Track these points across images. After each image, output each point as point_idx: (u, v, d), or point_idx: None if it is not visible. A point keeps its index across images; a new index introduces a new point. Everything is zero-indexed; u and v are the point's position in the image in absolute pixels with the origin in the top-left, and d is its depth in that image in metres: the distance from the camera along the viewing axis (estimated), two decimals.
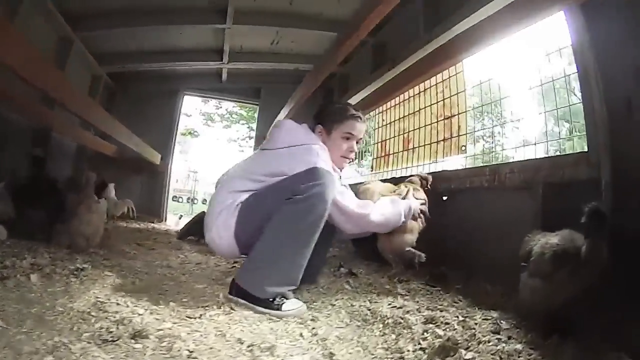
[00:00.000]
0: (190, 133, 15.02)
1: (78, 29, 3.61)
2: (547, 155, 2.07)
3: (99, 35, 3.85)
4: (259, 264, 1.57)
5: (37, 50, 1.99)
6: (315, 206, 1.56)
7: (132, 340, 1.08)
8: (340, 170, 1.96)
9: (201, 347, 1.09)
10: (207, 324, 1.31)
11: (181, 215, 6.10)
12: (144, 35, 3.98)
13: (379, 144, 3.96)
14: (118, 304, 1.38)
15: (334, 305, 1.64)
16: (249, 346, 1.14)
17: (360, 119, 1.93)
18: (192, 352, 1.05)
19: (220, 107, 14.16)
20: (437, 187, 2.37)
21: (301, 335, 1.30)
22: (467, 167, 2.58)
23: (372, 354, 1.17)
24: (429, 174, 2.37)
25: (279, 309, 1.51)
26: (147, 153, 4.49)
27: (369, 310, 1.53)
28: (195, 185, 15.92)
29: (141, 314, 1.31)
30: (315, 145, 1.77)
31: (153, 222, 4.77)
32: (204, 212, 3.19)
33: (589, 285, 1.19)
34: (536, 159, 1.95)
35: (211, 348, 1.10)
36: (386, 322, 1.40)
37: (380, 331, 1.35)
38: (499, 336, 1.26)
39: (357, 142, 1.94)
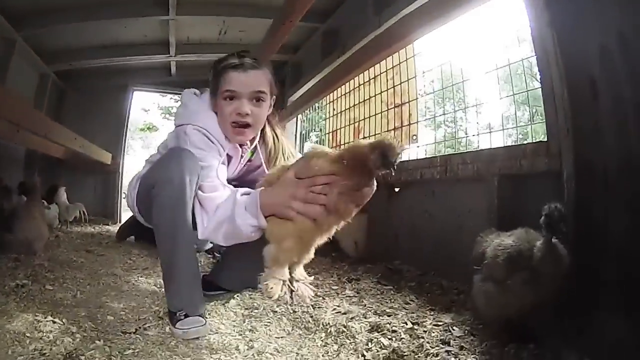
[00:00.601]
0: (149, 128, 14.50)
1: (20, 28, 3.32)
2: (503, 145, 1.92)
3: (42, 33, 3.55)
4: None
5: None
6: (160, 197, 1.28)
7: None
8: (249, 145, 1.58)
9: None
10: (141, 340, 1.17)
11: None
12: (89, 30, 3.71)
13: (331, 134, 3.77)
14: (54, 321, 1.24)
15: (276, 312, 1.46)
16: None
17: (239, 67, 1.43)
18: None
19: (179, 100, 13.73)
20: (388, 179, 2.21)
21: (237, 348, 1.14)
22: (419, 158, 2.38)
23: None
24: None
25: (174, 326, 1.26)
26: (95, 153, 4.18)
27: (312, 317, 1.36)
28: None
29: (74, 332, 1.19)
30: (189, 126, 1.43)
31: (108, 224, 4.47)
32: None
33: (547, 289, 1.03)
34: (490, 148, 1.77)
35: None
36: (329, 330, 1.24)
37: (322, 341, 1.19)
38: (449, 348, 1.10)
39: (254, 99, 1.45)
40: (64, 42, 3.93)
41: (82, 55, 4.17)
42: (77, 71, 4.50)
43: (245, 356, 1.10)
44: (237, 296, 1.60)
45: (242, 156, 1.59)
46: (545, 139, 1.46)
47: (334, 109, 3.78)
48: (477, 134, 2.33)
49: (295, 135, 4.44)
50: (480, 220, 1.48)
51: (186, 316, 1.25)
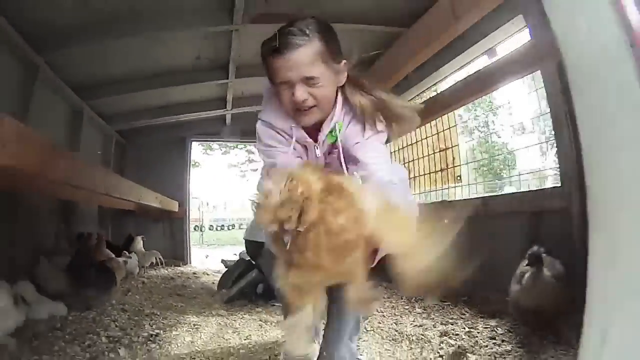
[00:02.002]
0: (192, 165, 15.62)
1: (87, 98, 4.05)
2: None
3: (107, 100, 4.29)
4: None
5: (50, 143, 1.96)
6: None
7: None
8: (325, 127, 1.42)
9: None
10: None
11: (207, 255, 6.56)
12: (150, 94, 4.37)
13: None
14: (210, 356, 1.86)
15: (368, 330, 2.15)
16: None
17: (277, 52, 1.27)
18: None
19: None
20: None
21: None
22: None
23: None
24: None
25: None
26: (164, 204, 4.97)
27: (396, 331, 2.05)
28: (202, 214, 16.58)
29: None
30: (259, 122, 1.45)
31: (179, 265, 5.32)
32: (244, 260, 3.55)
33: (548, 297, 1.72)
34: (520, 192, 2.51)
35: None
36: (411, 339, 1.93)
37: (407, 347, 1.87)
38: (495, 341, 1.77)
39: (306, 83, 1.29)
40: (127, 105, 4.68)
41: (144, 115, 4.96)
42: (138, 127, 5.29)
43: None
44: None
45: (318, 142, 1.44)
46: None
47: None
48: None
49: None
50: (512, 246, 2.15)
51: None
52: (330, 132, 1.41)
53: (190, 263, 5.66)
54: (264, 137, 1.42)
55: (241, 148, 16.04)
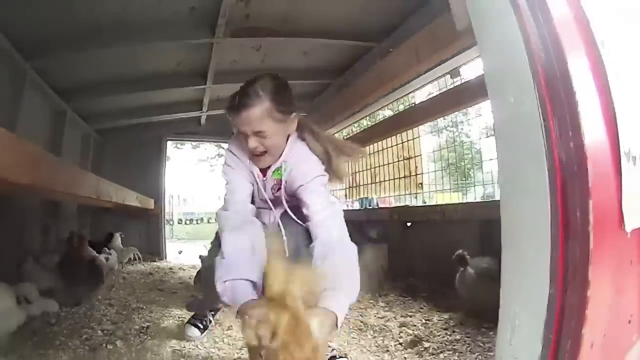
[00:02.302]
0: None
1: (70, 100, 4.19)
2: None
3: (88, 103, 4.47)
4: None
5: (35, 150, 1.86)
6: None
7: None
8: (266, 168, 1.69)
9: None
10: None
11: (180, 251, 6.72)
12: (130, 96, 4.55)
13: (351, 176, 4.84)
14: (197, 347, 2.04)
15: None
16: None
17: (233, 109, 1.53)
18: None
19: None
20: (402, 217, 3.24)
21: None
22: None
23: (369, 350, 1.96)
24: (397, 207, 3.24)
25: None
26: (143, 203, 5.10)
27: (362, 322, 2.33)
28: (172, 208, 16.61)
29: (216, 352, 1.97)
30: (227, 148, 1.78)
31: (155, 261, 5.51)
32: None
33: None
34: (473, 202, 2.84)
35: None
36: (375, 328, 2.22)
37: (371, 335, 2.15)
38: (447, 332, 2.08)
39: (257, 135, 1.55)
40: (106, 106, 4.84)
41: (123, 116, 5.14)
42: (114, 127, 5.46)
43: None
44: None
45: (266, 177, 1.70)
46: None
47: None
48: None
49: None
50: (466, 248, 2.46)
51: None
52: (277, 170, 1.68)
53: (165, 258, 5.83)
54: (229, 161, 1.72)
55: (211, 142, 16.12)
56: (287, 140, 1.67)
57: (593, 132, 0.90)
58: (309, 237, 1.59)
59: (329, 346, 1.89)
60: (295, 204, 1.70)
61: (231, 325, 2.35)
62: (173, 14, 3.07)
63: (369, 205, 5.42)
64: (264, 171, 1.70)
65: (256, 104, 1.50)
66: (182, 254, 6.60)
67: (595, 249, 0.84)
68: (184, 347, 2.04)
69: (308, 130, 1.71)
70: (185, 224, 19.49)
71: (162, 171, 6.04)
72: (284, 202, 1.73)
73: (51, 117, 4.09)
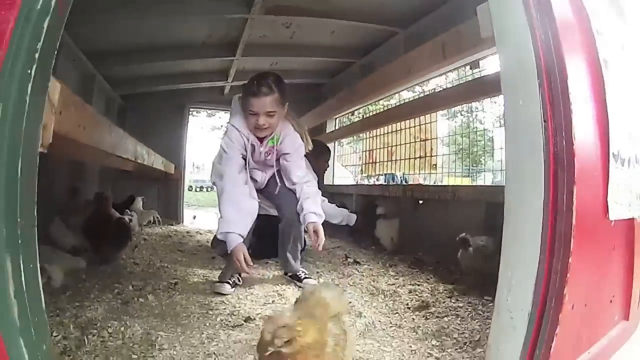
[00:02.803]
0: None
1: (99, 65, 4.40)
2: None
3: (116, 67, 4.66)
4: None
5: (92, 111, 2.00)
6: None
7: (247, 323, 1.92)
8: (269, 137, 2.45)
9: None
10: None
11: (195, 216, 6.97)
12: (156, 65, 4.77)
13: (367, 153, 5.08)
14: (223, 302, 2.26)
15: (351, 285, 2.70)
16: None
17: (256, 94, 2.27)
18: None
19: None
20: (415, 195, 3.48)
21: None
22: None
23: (381, 312, 2.22)
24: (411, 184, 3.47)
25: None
26: (166, 167, 5.20)
27: (374, 287, 2.59)
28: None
29: (242, 306, 2.18)
30: (229, 124, 2.46)
31: (172, 225, 5.80)
32: None
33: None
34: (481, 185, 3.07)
35: None
36: (386, 293, 2.47)
37: (382, 299, 2.41)
38: (452, 298, 2.34)
39: (268, 115, 2.32)
40: (133, 72, 5.04)
41: (148, 82, 5.34)
42: (138, 94, 5.65)
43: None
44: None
45: (262, 143, 2.46)
46: None
47: (369, 132, 5.09)
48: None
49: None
50: (472, 226, 2.70)
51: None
52: (272, 139, 2.47)
53: (182, 222, 6.13)
54: (232, 135, 2.39)
55: (226, 112, 16.29)
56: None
57: (583, 135, 1.13)
58: (287, 194, 2.58)
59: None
60: (279, 168, 2.60)
61: (253, 285, 2.62)
62: None
63: (392, 181, 5.71)
64: (260, 140, 2.45)
65: (270, 94, 2.29)
66: (196, 219, 6.89)
67: (577, 228, 1.07)
68: (211, 301, 2.25)
69: (290, 116, 2.54)
70: (196, 191, 19.82)
71: (184, 138, 6.26)
72: (274, 163, 2.58)
73: (80, 80, 4.30)
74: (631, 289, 1.64)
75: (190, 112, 6.39)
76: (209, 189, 19.23)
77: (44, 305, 0.74)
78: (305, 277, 2.73)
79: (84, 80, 4.39)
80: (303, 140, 2.56)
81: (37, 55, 0.74)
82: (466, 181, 6.19)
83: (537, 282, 1.12)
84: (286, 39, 4.28)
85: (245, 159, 2.47)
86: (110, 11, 3.30)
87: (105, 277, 2.54)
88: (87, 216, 3.12)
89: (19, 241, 0.70)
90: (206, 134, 20.49)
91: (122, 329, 1.69)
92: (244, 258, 2.16)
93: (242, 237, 2.22)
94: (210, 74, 5.34)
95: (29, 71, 0.73)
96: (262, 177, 2.65)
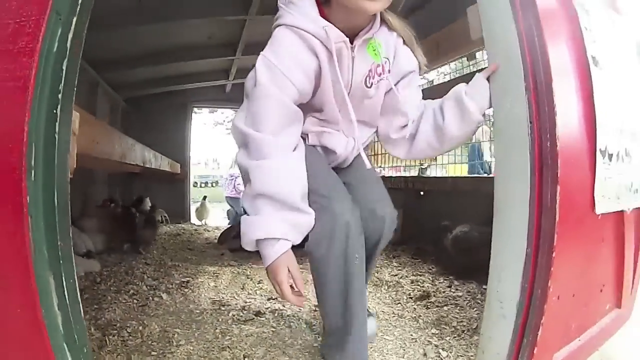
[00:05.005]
0: None
1: (103, 72, 4.44)
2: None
3: (119, 73, 4.71)
4: None
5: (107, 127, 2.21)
6: None
7: (257, 317, 2.05)
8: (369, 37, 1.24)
9: None
10: None
11: (205, 197, 7.00)
12: (159, 68, 4.79)
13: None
14: (234, 297, 2.30)
15: None
16: None
17: None
18: None
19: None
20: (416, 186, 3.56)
21: None
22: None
23: (384, 302, 2.31)
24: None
25: None
26: (172, 167, 5.31)
27: (377, 278, 2.68)
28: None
29: (252, 301, 2.24)
30: (279, 28, 1.22)
31: (180, 223, 5.89)
32: None
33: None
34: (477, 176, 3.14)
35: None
36: (389, 284, 2.56)
37: (386, 289, 2.50)
38: (452, 288, 2.43)
39: None
40: (136, 77, 5.09)
41: (150, 85, 5.41)
42: (141, 96, 5.75)
43: None
44: None
45: (353, 46, 1.22)
46: None
47: None
48: None
49: None
50: (471, 216, 2.78)
51: None
52: (371, 44, 1.24)
53: (190, 220, 6.24)
54: (285, 47, 1.17)
55: (228, 107, 16.40)
56: None
57: (568, 135, 1.19)
58: (372, 174, 1.51)
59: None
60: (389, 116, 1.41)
61: (262, 280, 2.69)
62: None
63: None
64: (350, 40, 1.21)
65: None
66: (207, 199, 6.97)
67: (560, 222, 1.15)
68: (222, 298, 2.32)
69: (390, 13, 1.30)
70: (201, 186, 19.95)
71: (188, 137, 6.33)
72: (394, 88, 1.34)
73: (85, 88, 4.36)
74: (622, 278, 1.71)
75: (193, 110, 6.43)
76: (213, 184, 19.39)
77: (82, 313, 0.84)
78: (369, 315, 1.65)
79: (89, 87, 4.46)
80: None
81: (60, 96, 0.81)
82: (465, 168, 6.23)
83: (524, 275, 1.19)
84: None
85: (309, 102, 1.28)
86: (111, 21, 3.34)
87: (119, 279, 2.61)
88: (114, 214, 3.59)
89: (60, 261, 0.79)
90: (209, 130, 20.65)
91: (141, 328, 1.79)
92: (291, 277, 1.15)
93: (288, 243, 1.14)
94: (212, 73, 5.39)
95: (55, 111, 0.81)
96: (345, 144, 1.40)
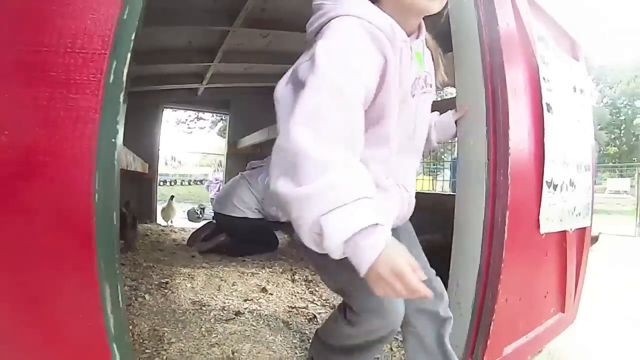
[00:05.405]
0: None
1: None
2: None
3: None
4: None
5: None
6: None
7: (237, 316, 2.12)
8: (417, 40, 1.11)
9: None
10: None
11: (172, 196, 6.89)
12: (135, 68, 4.84)
13: None
14: (212, 298, 2.42)
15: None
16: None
17: None
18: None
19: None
20: None
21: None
22: None
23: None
24: None
25: None
26: (138, 166, 5.14)
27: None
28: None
29: (230, 302, 2.36)
30: (340, 18, 0.97)
31: (147, 223, 5.91)
32: None
33: None
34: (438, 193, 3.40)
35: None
36: None
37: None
38: None
39: None
40: None
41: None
42: None
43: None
44: None
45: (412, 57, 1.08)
46: None
47: None
48: None
49: None
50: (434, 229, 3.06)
51: None
52: (417, 52, 1.12)
53: (156, 220, 6.27)
54: (356, 35, 0.95)
55: (206, 112, 16.34)
56: None
57: (518, 170, 1.48)
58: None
59: None
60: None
61: (236, 282, 2.84)
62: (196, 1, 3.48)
63: None
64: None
65: None
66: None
67: (508, 240, 1.43)
68: (201, 299, 2.42)
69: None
70: (159, 185, 19.60)
71: (158, 137, 6.34)
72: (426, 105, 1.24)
73: None
74: (565, 287, 2.03)
75: (164, 111, 6.46)
76: (172, 183, 19.17)
77: (125, 316, 1.00)
78: None
79: None
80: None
81: (118, 127, 0.97)
82: (427, 179, 6.44)
83: (478, 281, 1.47)
84: (262, 46, 4.44)
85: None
86: None
87: None
88: None
89: (117, 272, 0.96)
90: (171, 128, 20.44)
91: (130, 327, 1.88)
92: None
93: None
94: (186, 77, 5.48)
95: (114, 140, 0.96)
96: (400, 198, 1.26)
